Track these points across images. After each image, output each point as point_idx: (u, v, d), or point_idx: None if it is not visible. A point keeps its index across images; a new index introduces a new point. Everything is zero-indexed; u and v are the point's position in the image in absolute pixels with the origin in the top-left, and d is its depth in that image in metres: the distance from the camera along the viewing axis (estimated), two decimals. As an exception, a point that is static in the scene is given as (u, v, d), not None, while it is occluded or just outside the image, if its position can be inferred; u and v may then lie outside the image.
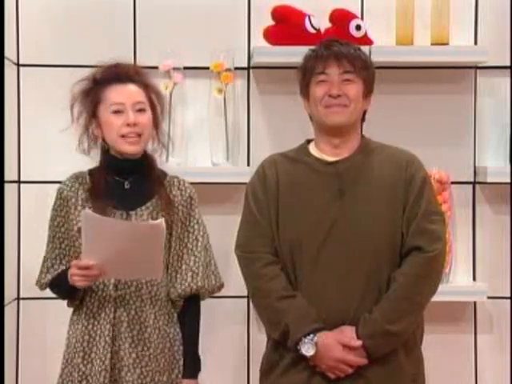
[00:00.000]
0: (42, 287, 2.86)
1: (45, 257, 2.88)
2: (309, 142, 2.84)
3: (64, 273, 2.72)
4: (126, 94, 2.76)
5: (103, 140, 2.81)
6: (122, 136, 2.72)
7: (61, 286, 2.75)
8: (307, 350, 2.57)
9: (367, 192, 2.68)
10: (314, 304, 2.62)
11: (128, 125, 2.72)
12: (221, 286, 2.79)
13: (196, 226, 2.80)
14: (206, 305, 3.02)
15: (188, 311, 2.71)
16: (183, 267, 2.79)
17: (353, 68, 2.65)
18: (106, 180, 2.79)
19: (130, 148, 2.74)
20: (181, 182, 2.90)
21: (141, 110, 2.74)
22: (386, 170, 2.70)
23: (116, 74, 2.80)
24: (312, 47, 2.84)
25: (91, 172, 2.87)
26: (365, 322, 2.58)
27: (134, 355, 2.66)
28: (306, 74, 2.74)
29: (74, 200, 2.78)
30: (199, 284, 2.70)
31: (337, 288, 2.61)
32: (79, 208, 2.76)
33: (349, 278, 2.61)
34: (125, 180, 2.81)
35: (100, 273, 2.59)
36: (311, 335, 2.56)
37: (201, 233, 2.78)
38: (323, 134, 2.73)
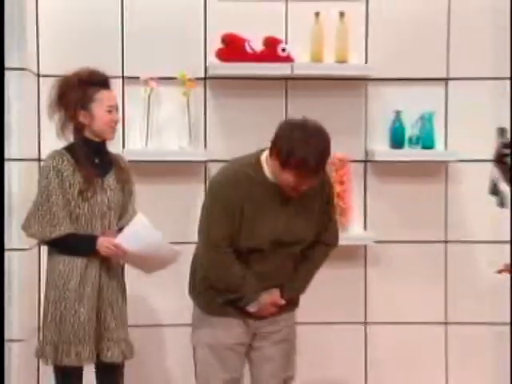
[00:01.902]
0: (46, 237, 3.22)
1: (40, 214, 3.20)
2: (259, 155, 2.98)
3: (80, 235, 3.21)
4: (113, 98, 3.31)
5: (84, 126, 3.23)
6: (110, 127, 3.27)
7: (80, 244, 3.23)
8: (252, 307, 3.05)
9: (301, 204, 3.00)
10: (259, 280, 3.02)
11: (115, 121, 3.31)
12: None
13: (133, 185, 3.39)
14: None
15: None
16: (129, 210, 3.36)
17: None
18: (85, 155, 3.24)
19: (113, 136, 3.33)
20: (122, 157, 3.43)
21: (117, 109, 3.35)
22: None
23: (104, 81, 3.28)
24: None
25: (68, 149, 3.25)
26: (289, 289, 3.09)
27: (112, 279, 3.29)
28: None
29: (66, 173, 3.21)
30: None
31: (273, 272, 3.03)
32: (70, 178, 3.20)
33: (281, 266, 3.06)
34: (94, 156, 3.28)
35: (121, 256, 3.22)
36: (256, 300, 3.03)
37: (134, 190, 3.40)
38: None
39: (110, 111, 3.28)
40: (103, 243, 3.22)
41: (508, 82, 4.17)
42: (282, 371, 3.18)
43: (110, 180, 3.32)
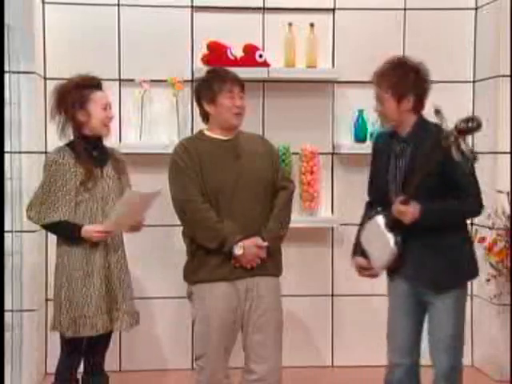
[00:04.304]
0: (41, 221, 3.34)
1: (40, 201, 3.30)
2: (201, 130, 3.30)
3: (68, 223, 3.27)
4: (105, 97, 3.41)
5: (83, 124, 3.32)
6: (105, 125, 3.37)
7: (66, 231, 3.31)
8: (238, 250, 3.15)
9: (252, 157, 3.25)
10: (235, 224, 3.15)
11: (109, 118, 3.41)
12: None
13: (127, 175, 3.49)
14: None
15: None
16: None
17: (243, 88, 3.25)
18: (84, 150, 3.35)
19: (108, 132, 3.43)
20: (117, 150, 3.52)
21: (110, 107, 3.43)
22: (254, 145, 3.32)
23: (96, 83, 3.41)
24: (210, 71, 3.31)
25: (69, 145, 3.36)
26: (266, 231, 3.21)
27: (116, 258, 3.41)
28: (215, 90, 3.18)
29: (67, 166, 3.33)
30: None
31: (245, 215, 3.20)
32: (71, 170, 3.30)
33: (251, 208, 3.21)
34: (92, 150, 3.38)
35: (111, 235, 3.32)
36: (240, 243, 3.15)
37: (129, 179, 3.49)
38: (223, 128, 3.22)
39: (104, 109, 3.39)
40: (88, 232, 3.32)
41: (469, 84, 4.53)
42: (273, 341, 3.27)
43: (109, 170, 3.41)
